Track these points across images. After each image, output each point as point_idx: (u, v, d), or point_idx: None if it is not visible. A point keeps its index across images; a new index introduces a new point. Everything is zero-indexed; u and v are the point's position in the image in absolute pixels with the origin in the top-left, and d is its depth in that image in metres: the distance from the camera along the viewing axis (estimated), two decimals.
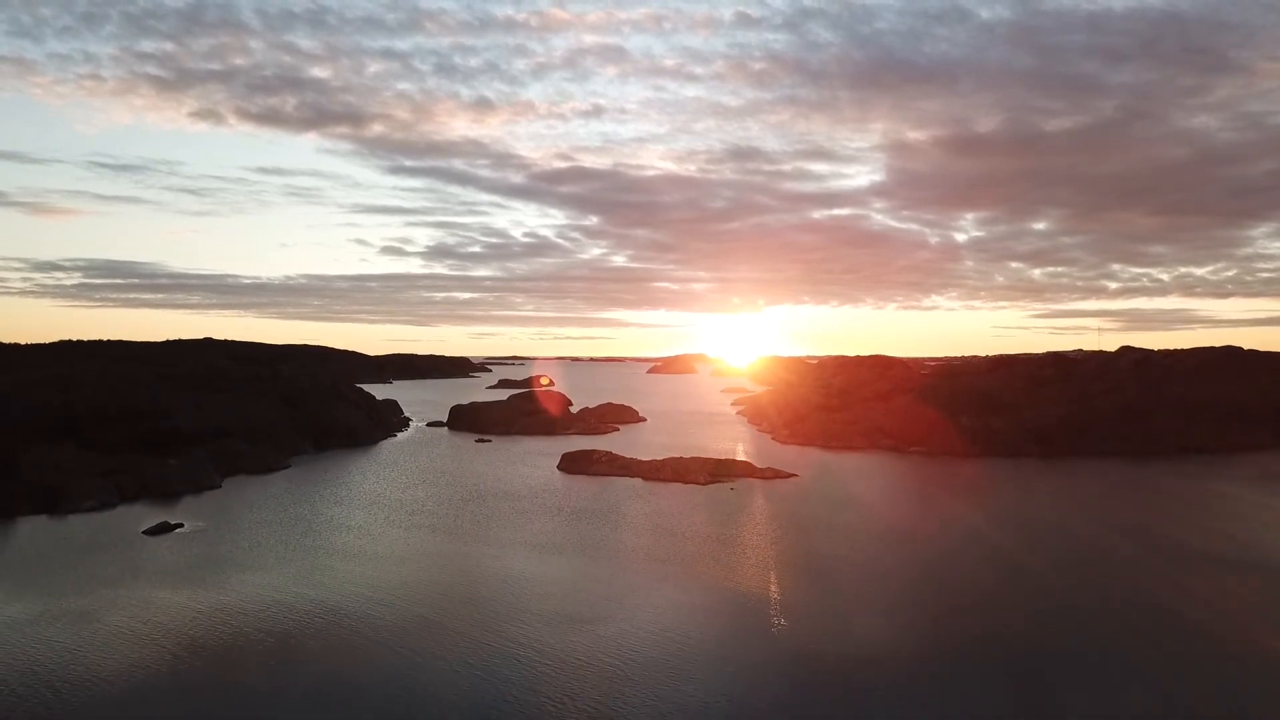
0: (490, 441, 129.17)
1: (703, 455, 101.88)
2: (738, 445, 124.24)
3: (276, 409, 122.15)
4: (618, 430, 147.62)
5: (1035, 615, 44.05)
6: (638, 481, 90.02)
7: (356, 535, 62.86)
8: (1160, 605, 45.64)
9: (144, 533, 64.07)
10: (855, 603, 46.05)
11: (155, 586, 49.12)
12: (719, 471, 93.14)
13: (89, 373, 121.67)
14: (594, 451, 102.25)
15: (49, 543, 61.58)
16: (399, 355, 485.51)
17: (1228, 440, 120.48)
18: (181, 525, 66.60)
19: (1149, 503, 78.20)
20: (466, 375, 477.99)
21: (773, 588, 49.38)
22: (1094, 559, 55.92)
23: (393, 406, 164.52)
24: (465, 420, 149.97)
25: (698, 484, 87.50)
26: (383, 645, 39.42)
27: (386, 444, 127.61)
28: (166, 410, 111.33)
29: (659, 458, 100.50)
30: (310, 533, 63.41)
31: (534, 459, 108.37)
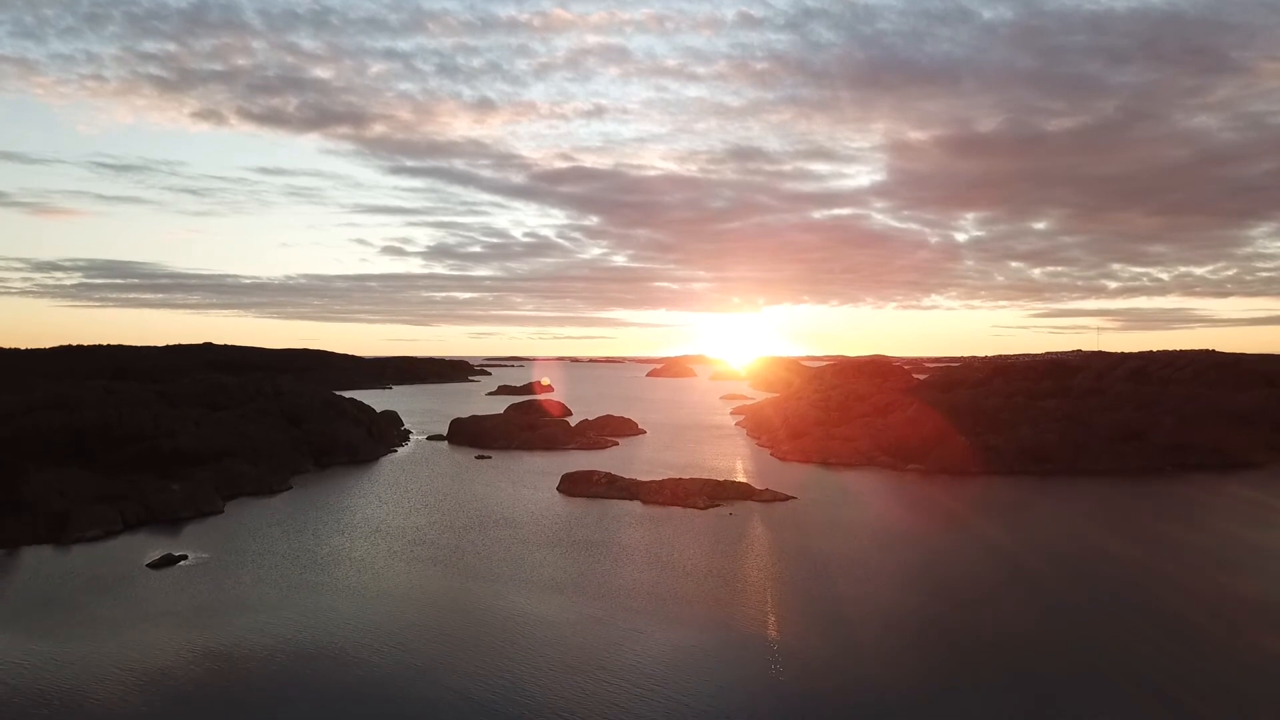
0: (490, 458, 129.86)
1: (701, 476, 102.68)
2: (736, 463, 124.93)
3: (278, 427, 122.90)
4: (617, 445, 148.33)
5: (1041, 651, 44.65)
6: (637, 505, 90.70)
7: (358, 569, 63.50)
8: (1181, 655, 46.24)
9: (148, 566, 64.72)
10: (853, 644, 46.67)
11: (159, 629, 49.71)
12: (718, 494, 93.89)
13: (92, 391, 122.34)
14: (593, 472, 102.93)
15: (54, 578, 62.15)
16: (399, 359, 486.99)
17: (1223, 457, 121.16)
18: (185, 557, 67.24)
19: (1148, 524, 78.73)
20: (466, 379, 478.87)
21: (771, 629, 50.03)
22: (1098, 589, 56.46)
23: (393, 418, 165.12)
24: (465, 434, 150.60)
25: (696, 508, 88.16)
26: (384, 693, 40.08)
27: (387, 460, 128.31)
28: (169, 430, 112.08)
29: (658, 478, 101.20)
30: (313, 567, 64.04)
31: (534, 479, 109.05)
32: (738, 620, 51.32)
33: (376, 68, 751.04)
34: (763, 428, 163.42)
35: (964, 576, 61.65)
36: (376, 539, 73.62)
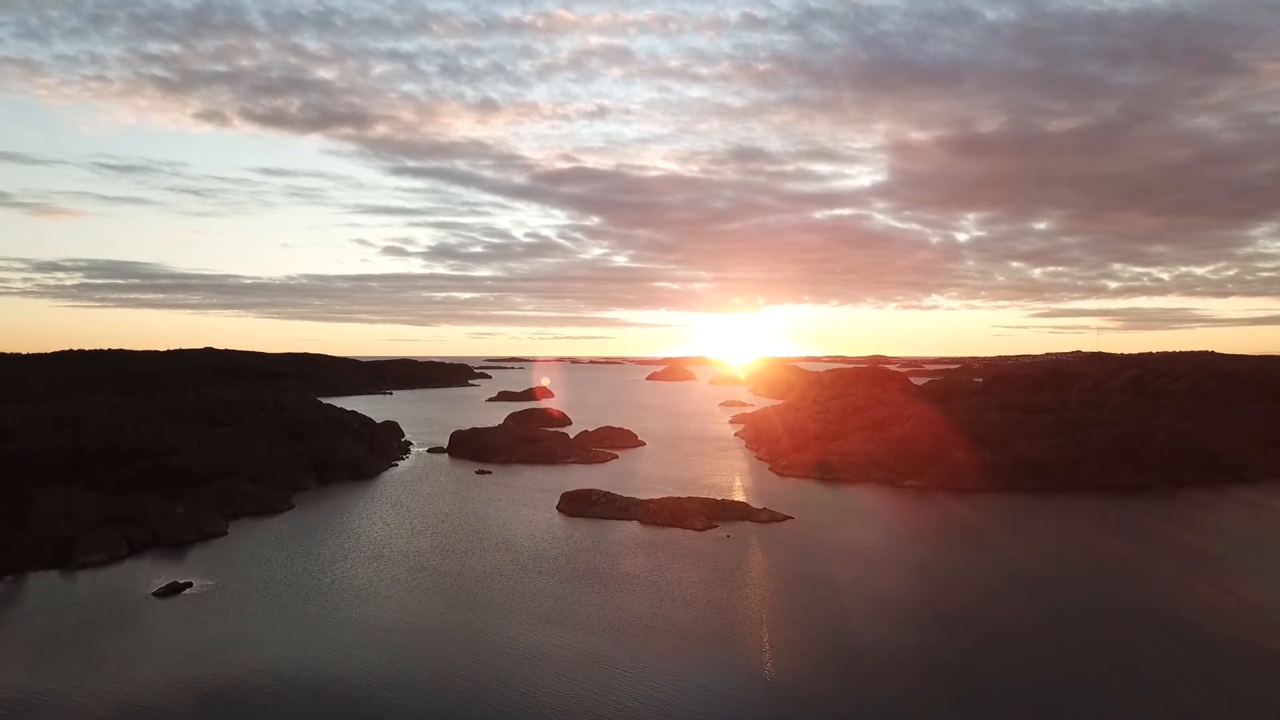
0: (490, 473, 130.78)
1: (699, 495, 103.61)
2: (734, 478, 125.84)
3: (280, 443, 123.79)
4: (616, 458, 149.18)
5: (1044, 679, 45.58)
6: (635, 526, 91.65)
7: (361, 599, 64.41)
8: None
9: (153, 594, 65.66)
10: (851, 675, 47.65)
11: (166, 664, 50.64)
12: (716, 513, 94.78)
13: (95, 407, 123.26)
14: (592, 491, 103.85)
15: (61, 608, 63.01)
16: (399, 362, 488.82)
17: (1218, 472, 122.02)
18: (190, 584, 68.13)
19: (1146, 541, 79.66)
20: (465, 384, 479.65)
21: (768, 663, 51.00)
22: (1104, 615, 57.31)
23: (393, 429, 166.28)
24: (465, 447, 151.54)
25: (694, 529, 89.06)
26: None
27: (388, 476, 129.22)
28: (172, 447, 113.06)
29: (657, 496, 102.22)
30: (316, 597, 64.91)
31: (534, 496, 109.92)
32: (735, 654, 52.28)
33: (380, 69, 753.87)
34: (761, 439, 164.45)
35: (962, 601, 62.59)
36: (378, 565, 74.54)
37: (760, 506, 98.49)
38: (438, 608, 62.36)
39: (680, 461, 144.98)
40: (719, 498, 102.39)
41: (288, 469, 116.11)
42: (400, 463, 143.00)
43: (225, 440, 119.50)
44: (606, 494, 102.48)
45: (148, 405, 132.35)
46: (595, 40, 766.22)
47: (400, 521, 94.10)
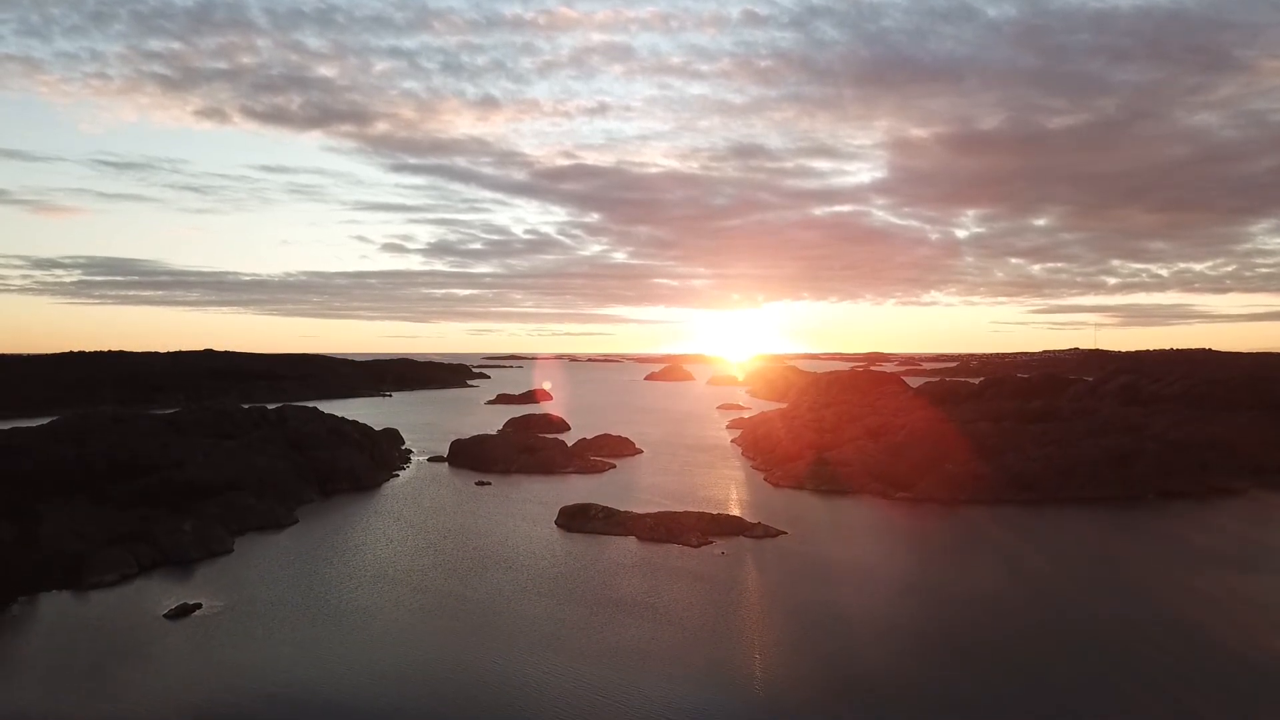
0: (490, 484, 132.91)
1: (695, 508, 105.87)
2: (730, 490, 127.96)
3: (283, 455, 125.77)
4: (614, 467, 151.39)
5: (1046, 706, 47.72)
6: (632, 541, 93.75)
7: (366, 621, 66.39)
8: None
9: (164, 616, 67.67)
10: (843, 688, 49.67)
11: (177, 689, 52.58)
12: (710, 528, 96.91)
13: (100, 420, 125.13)
14: (590, 506, 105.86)
15: (74, 632, 64.91)
16: (398, 363, 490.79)
17: (1208, 484, 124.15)
18: (200, 606, 70.13)
19: (1145, 550, 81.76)
20: (464, 384, 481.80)
21: (759, 689, 53.05)
22: (1105, 642, 59.34)
23: (394, 437, 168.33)
24: (465, 456, 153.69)
25: (689, 545, 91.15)
26: None
27: (389, 487, 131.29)
28: (177, 461, 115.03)
29: (653, 509, 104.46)
30: (322, 619, 66.88)
31: (533, 510, 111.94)
32: (729, 677, 54.29)
33: (381, 66, 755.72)
34: (757, 447, 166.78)
35: (958, 612, 64.76)
36: (382, 586, 76.53)
37: (755, 521, 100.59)
38: (440, 631, 64.40)
39: (677, 471, 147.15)
40: (714, 511, 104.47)
41: (291, 481, 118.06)
42: (401, 473, 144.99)
43: (229, 453, 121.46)
44: (604, 509, 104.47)
45: (152, 417, 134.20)
46: (596, 37, 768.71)
47: (403, 538, 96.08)
